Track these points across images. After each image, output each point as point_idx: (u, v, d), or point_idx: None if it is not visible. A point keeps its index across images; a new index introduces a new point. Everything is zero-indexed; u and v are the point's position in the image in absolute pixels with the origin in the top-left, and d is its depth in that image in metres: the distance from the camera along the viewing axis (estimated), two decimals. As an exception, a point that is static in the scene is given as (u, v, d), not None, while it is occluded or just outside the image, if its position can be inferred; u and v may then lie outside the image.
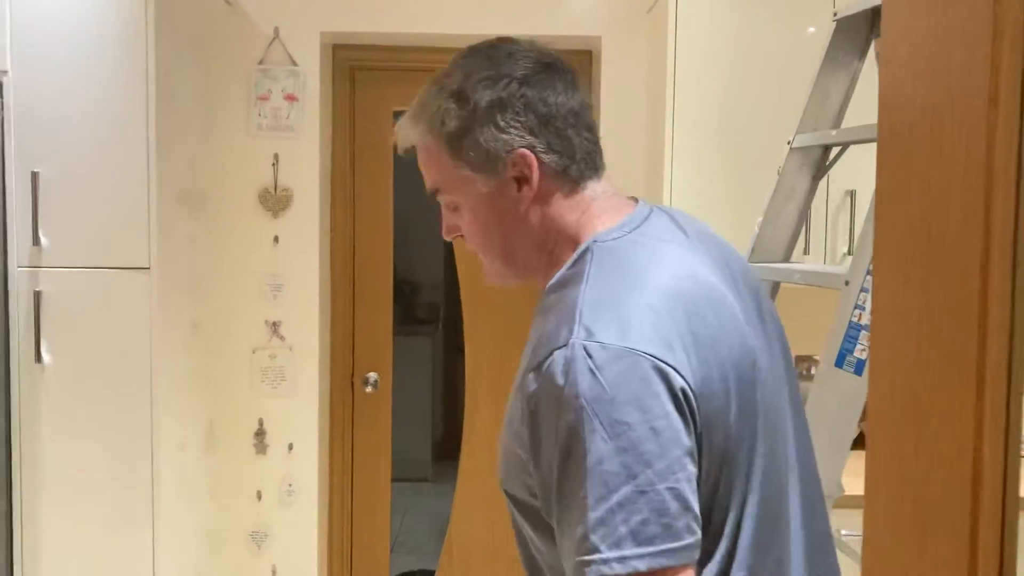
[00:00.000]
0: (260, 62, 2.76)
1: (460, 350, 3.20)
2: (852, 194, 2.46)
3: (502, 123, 1.01)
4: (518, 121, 1.01)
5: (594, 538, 0.85)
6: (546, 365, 0.90)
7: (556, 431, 0.89)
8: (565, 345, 0.89)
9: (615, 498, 0.85)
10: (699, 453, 0.90)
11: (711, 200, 2.44)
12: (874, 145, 0.76)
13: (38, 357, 2.23)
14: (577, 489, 0.87)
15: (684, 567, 0.86)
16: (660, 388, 0.88)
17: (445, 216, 1.09)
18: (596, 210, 1.04)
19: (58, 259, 2.23)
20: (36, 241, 2.22)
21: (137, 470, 2.26)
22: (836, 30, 1.72)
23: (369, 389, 3.05)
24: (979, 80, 0.59)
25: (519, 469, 0.95)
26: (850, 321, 1.27)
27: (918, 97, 0.69)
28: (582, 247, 1.01)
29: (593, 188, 1.05)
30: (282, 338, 2.82)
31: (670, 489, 0.86)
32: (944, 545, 0.63)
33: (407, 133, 1.07)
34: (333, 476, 3.07)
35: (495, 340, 3.09)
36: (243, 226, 2.80)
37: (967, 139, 0.61)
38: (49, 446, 2.26)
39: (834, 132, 1.71)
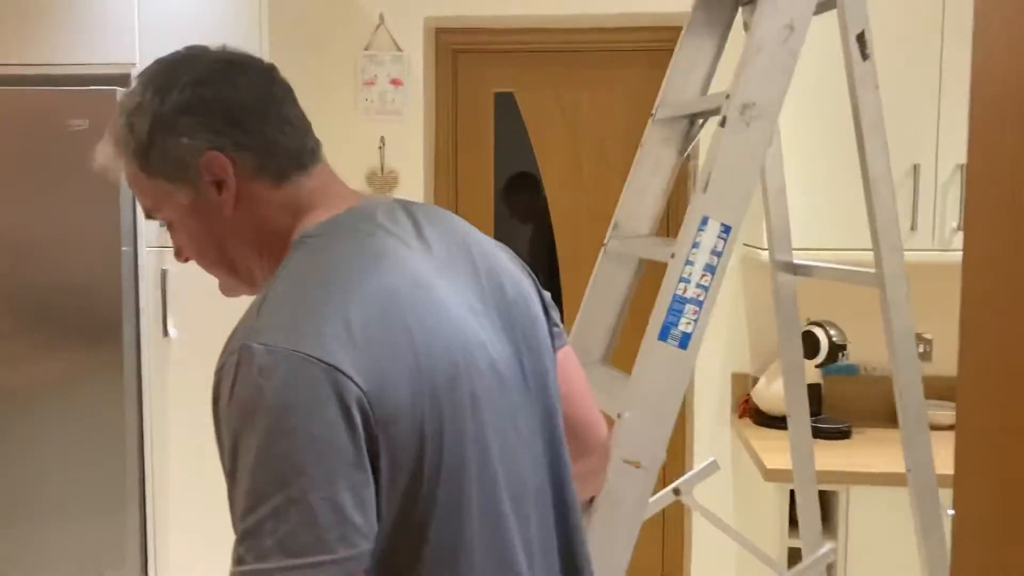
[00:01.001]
0: (366, 48, 2.86)
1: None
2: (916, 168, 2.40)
3: (184, 127, 0.96)
4: (200, 123, 0.96)
5: (241, 548, 0.81)
6: (222, 365, 0.87)
7: (225, 434, 0.86)
8: (239, 347, 0.85)
9: (264, 508, 0.80)
10: (378, 460, 0.85)
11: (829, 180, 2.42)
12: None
13: (165, 331, 2.39)
14: (237, 496, 0.83)
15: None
16: (325, 393, 0.83)
17: (171, 237, 1.06)
18: (308, 206, 1.00)
19: (182, 239, 2.38)
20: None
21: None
22: None
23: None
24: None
25: None
26: (675, 294, 1.27)
27: (1011, 69, 0.70)
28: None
29: (301, 183, 1.00)
30: (389, 315, 2.92)
31: (325, 499, 0.81)
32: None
33: (104, 157, 1.02)
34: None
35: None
36: (351, 207, 2.91)
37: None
38: (175, 414, 2.42)
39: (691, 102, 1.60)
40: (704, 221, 1.29)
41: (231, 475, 0.84)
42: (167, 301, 2.37)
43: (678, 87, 1.64)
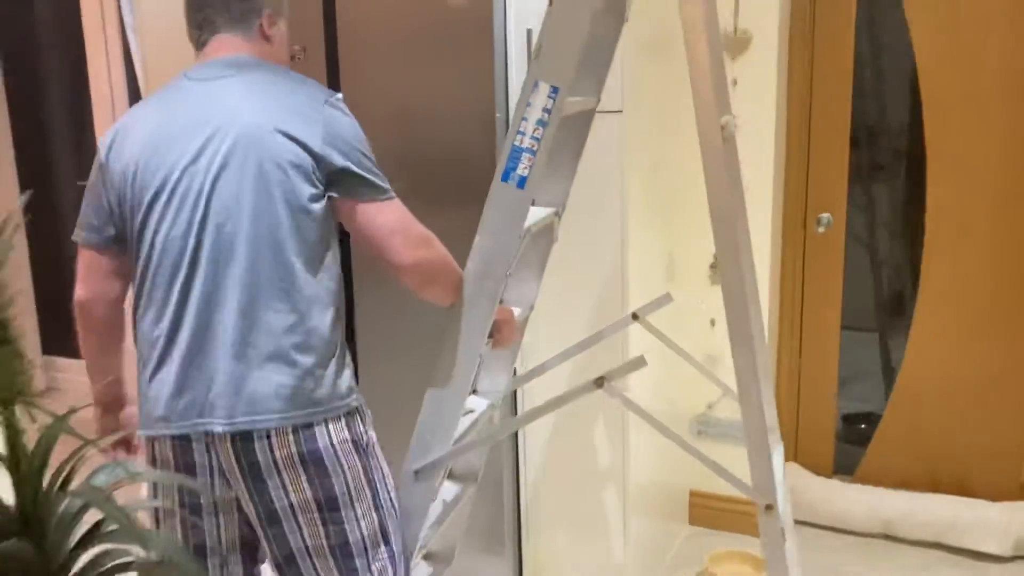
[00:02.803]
0: (723, -95, 2.81)
1: (923, 200, 3.08)
2: None
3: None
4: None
5: None
6: None
7: None
8: None
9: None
10: (110, 199, 1.69)
11: None
12: None
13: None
14: None
15: (85, 247, 1.74)
16: (100, 157, 1.69)
17: None
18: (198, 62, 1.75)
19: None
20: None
21: (611, 292, 2.60)
22: None
23: (822, 229, 3.09)
24: None
25: None
26: (513, 144, 1.59)
27: None
28: None
29: (202, 53, 1.75)
30: (738, 178, 2.96)
31: (85, 203, 1.72)
32: None
33: None
34: (783, 312, 3.21)
35: (961, 184, 2.93)
36: (703, 71, 2.94)
37: None
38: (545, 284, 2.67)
39: None
40: (536, 84, 1.56)
41: None
42: (533, 162, 2.60)
43: None
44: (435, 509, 1.84)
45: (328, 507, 1.66)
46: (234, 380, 1.60)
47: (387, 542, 1.72)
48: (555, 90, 1.54)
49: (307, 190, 1.61)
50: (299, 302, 1.61)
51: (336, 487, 1.66)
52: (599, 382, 1.76)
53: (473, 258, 1.64)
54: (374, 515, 1.71)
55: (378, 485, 1.71)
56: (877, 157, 3.20)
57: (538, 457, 2.78)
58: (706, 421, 3.15)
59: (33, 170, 4.79)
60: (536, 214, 1.84)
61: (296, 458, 1.62)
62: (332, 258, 1.68)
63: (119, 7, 3.83)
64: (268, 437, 1.60)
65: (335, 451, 1.65)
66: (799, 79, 3.04)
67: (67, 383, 4.69)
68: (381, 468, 1.73)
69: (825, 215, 3.09)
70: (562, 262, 2.64)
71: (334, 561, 1.68)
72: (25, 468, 1.05)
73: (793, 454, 3.34)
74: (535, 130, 1.56)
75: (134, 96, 4.22)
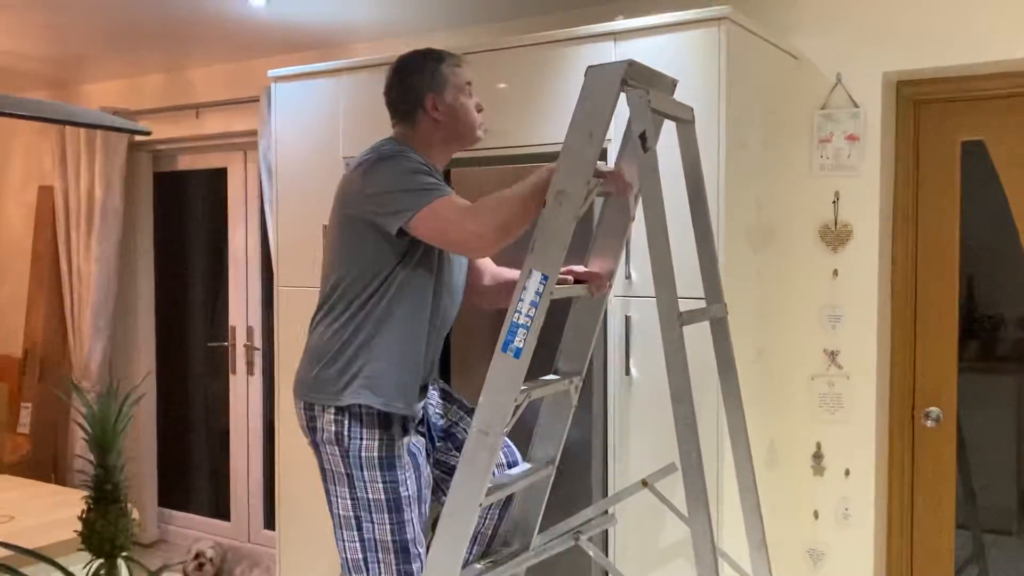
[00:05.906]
0: (822, 107, 2.94)
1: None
2: None
3: None
4: None
5: None
6: None
7: None
8: None
9: None
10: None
11: None
12: None
13: (627, 371, 2.68)
14: None
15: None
16: None
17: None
18: None
19: (643, 290, 2.66)
20: (628, 275, 2.67)
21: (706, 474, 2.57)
22: None
23: (930, 423, 3.00)
24: None
25: None
26: (512, 320, 1.85)
27: None
28: None
29: None
30: (840, 367, 2.94)
31: None
32: None
33: None
34: (892, 506, 3.08)
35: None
36: (804, 260, 2.99)
37: None
38: (635, 442, 2.69)
39: None
40: (530, 272, 1.85)
41: None
42: (630, 344, 2.67)
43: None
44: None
45: (323, 477, 2.22)
46: None
47: (359, 528, 2.15)
48: (545, 277, 1.85)
49: (352, 232, 2.19)
50: (320, 327, 2.24)
51: (323, 463, 2.21)
52: (644, 483, 2.36)
53: (476, 416, 1.86)
54: (347, 502, 2.16)
55: (356, 482, 2.14)
56: (989, 349, 3.12)
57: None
58: (809, 620, 2.99)
59: (169, 333, 5.15)
60: (550, 382, 2.11)
61: (306, 428, 2.22)
62: (367, 297, 2.18)
63: (260, 186, 4.19)
64: (297, 408, 2.26)
65: (323, 434, 2.16)
66: (902, 270, 3.04)
67: (176, 535, 4.82)
68: (363, 474, 2.14)
69: (934, 409, 3.01)
70: (662, 432, 2.65)
71: (332, 521, 2.21)
72: (122, 619, 1.13)
73: (906, 663, 3.12)
74: (529, 309, 1.84)
75: (266, 267, 4.53)
